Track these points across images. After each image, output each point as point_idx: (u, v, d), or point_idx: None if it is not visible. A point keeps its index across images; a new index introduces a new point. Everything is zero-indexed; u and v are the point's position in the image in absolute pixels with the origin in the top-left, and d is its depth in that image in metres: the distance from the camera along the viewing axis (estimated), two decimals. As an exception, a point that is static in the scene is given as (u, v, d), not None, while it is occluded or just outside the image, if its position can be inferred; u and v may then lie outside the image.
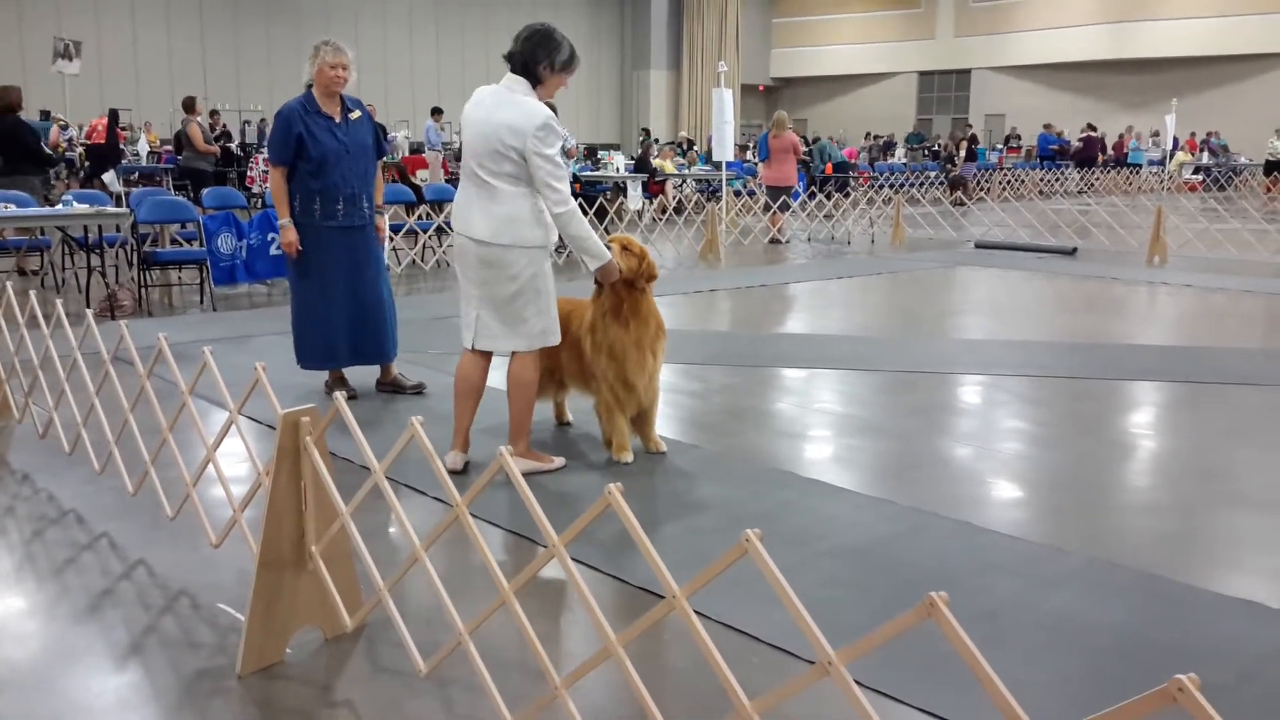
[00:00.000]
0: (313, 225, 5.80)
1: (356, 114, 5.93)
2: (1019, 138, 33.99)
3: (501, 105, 4.31)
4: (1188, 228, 15.76)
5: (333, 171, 5.76)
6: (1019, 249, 14.22)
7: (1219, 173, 29.01)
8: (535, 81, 4.38)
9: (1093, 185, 27.89)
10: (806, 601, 1.88)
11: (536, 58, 4.34)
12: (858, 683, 1.80)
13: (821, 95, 44.41)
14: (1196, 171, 29.35)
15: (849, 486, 4.61)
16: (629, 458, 4.87)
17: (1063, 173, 28.25)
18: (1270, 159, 27.66)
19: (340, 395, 2.79)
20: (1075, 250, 13.97)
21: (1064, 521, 4.27)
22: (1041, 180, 27.09)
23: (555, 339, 4.59)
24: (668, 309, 9.34)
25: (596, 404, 4.96)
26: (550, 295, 4.52)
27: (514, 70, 4.39)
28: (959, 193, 23.42)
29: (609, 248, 4.51)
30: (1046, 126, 31.96)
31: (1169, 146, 30.48)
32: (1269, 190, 26.24)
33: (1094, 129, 31.16)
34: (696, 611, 2.15)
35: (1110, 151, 31.40)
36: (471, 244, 4.39)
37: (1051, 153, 30.43)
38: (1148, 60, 36.47)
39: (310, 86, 5.82)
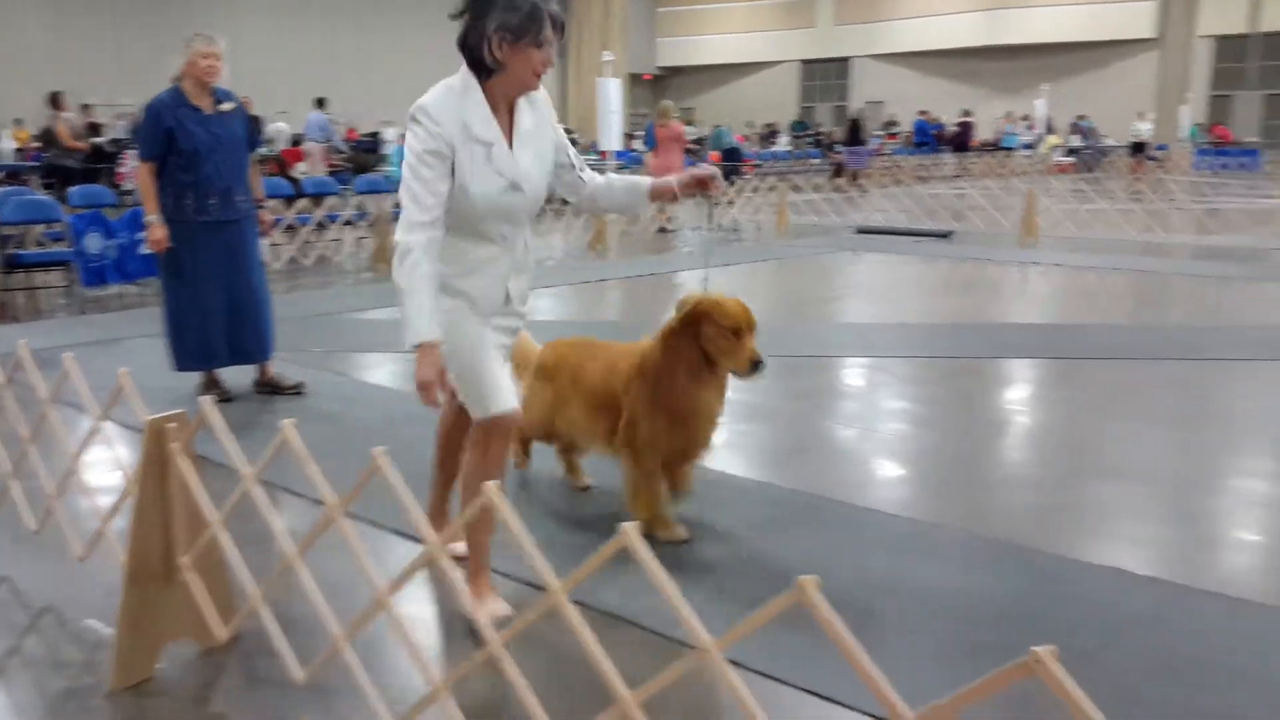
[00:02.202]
0: (185, 221, 5.62)
1: (229, 106, 5.76)
2: (897, 124, 34.75)
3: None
4: (1058, 209, 16.30)
5: (205, 165, 5.59)
6: (898, 233, 14.53)
7: (1088, 155, 30.08)
8: (482, 70, 2.99)
9: (968, 169, 28.67)
10: (689, 589, 1.89)
11: (473, 32, 2.97)
12: (739, 665, 1.82)
13: (707, 84, 44.76)
14: (1068, 154, 30.36)
15: (735, 472, 4.66)
16: (684, 533, 3.84)
17: (939, 158, 28.98)
18: (1134, 141, 28.82)
19: (210, 399, 2.71)
20: (951, 233, 14.34)
21: (942, 498, 4.38)
22: (919, 166, 27.75)
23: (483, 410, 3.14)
24: (555, 301, 9.33)
25: (630, 470, 3.84)
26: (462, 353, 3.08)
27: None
28: (844, 179, 23.83)
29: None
30: (923, 113, 32.75)
31: (1042, 130, 31.53)
32: (1134, 171, 27.33)
33: (969, 115, 32.03)
34: (577, 602, 2.14)
35: (985, 136, 32.35)
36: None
37: (928, 138, 31.20)
38: (1020, 46, 37.60)
39: (181, 79, 5.64)
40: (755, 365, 3.51)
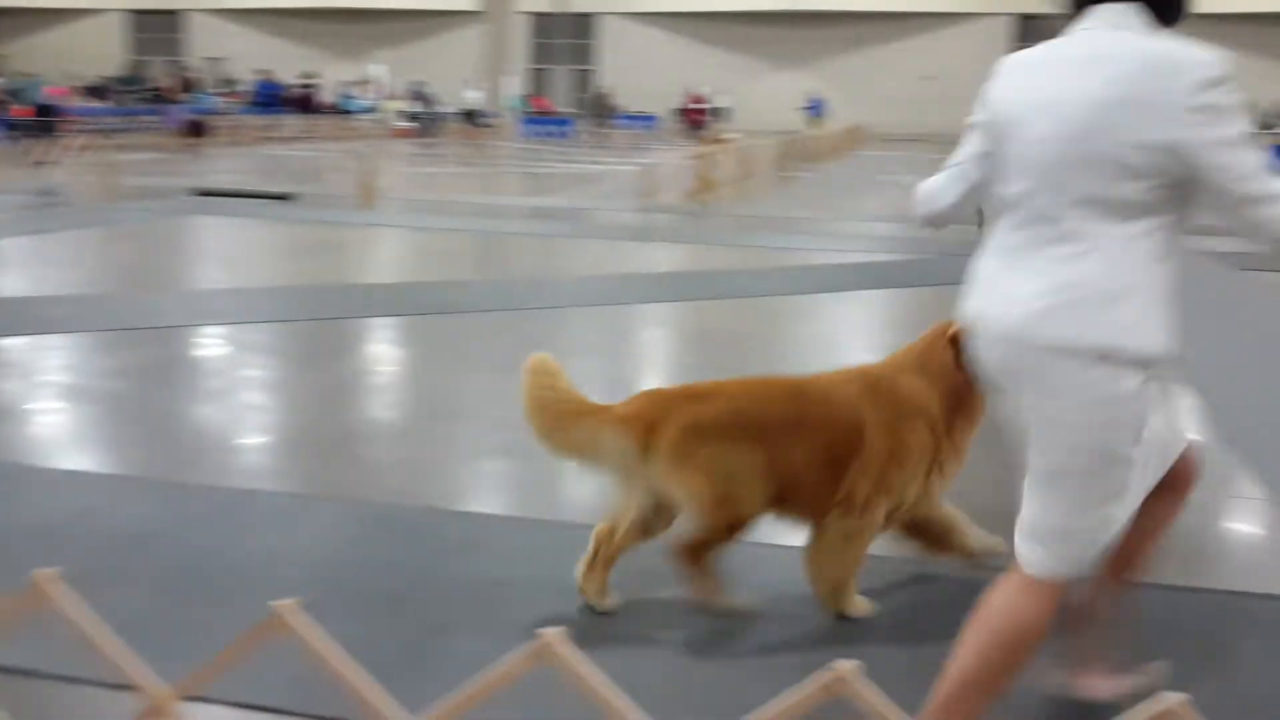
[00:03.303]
0: None
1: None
2: (237, 82, 33.36)
3: (1113, 62, 1.98)
4: (399, 172, 16.74)
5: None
6: (238, 196, 13.90)
7: (426, 121, 31.28)
8: (1168, 14, 2.06)
9: (311, 132, 28.39)
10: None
11: None
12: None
13: (20, 29, 39.33)
14: (408, 119, 31.31)
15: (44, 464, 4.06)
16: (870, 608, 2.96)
17: (282, 119, 28.32)
18: (466, 108, 30.54)
19: None
20: (293, 196, 14.02)
21: (308, 465, 4.21)
22: (262, 127, 26.89)
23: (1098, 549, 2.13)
24: None
25: (839, 541, 2.86)
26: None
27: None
28: (191, 137, 22.27)
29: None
30: (263, 72, 31.77)
31: (381, 95, 32.17)
32: (468, 137, 28.98)
33: (312, 76, 31.68)
34: None
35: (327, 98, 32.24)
36: (1024, 346, 2.04)
37: (271, 99, 30.34)
38: (356, 10, 37.97)
39: None
40: None
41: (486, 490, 4.07)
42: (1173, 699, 0.97)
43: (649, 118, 34.09)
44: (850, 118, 34.28)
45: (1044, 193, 2.01)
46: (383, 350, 6.43)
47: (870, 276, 8.99)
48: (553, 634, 1.05)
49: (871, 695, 1.05)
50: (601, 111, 34.10)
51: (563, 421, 2.84)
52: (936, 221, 2.41)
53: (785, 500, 2.85)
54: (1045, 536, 2.06)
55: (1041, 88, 2.05)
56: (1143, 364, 1.94)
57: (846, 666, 1.07)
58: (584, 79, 40.86)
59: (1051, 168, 2.00)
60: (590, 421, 2.83)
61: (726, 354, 6.25)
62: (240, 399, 5.13)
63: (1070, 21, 2.08)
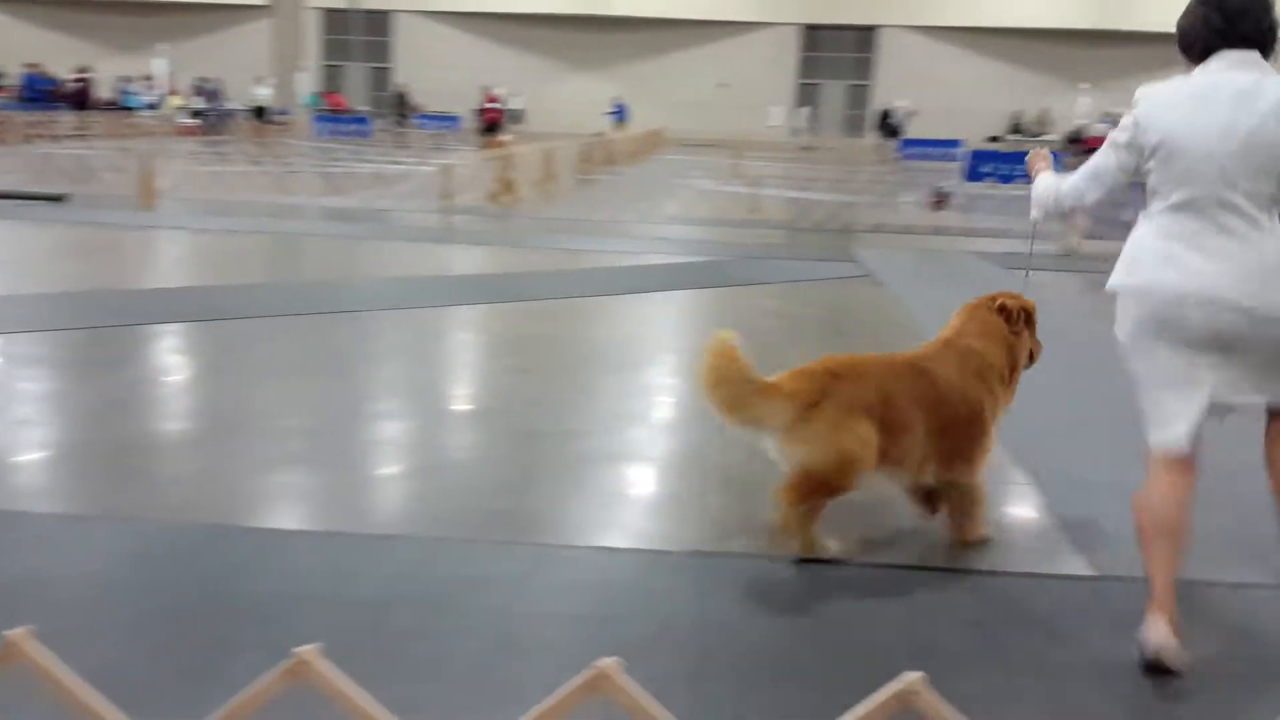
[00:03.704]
0: None
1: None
2: (4, 76, 31.06)
3: (1254, 96, 2.75)
4: (186, 171, 15.97)
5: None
6: (4, 197, 12.94)
7: (213, 118, 29.94)
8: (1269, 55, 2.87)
9: (88, 129, 26.73)
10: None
11: (1272, 22, 2.86)
12: None
13: None
14: (193, 116, 29.89)
15: None
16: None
17: (55, 115, 26.54)
18: (256, 105, 29.46)
19: None
20: (64, 197, 13.15)
21: (84, 483, 3.96)
22: (31, 123, 25.12)
23: None
24: None
25: (967, 492, 3.59)
26: None
27: (1233, 44, 2.83)
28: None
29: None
30: (32, 66, 29.68)
31: (164, 90, 30.61)
32: (258, 135, 27.91)
33: (86, 70, 29.83)
34: None
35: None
36: (1234, 313, 2.76)
37: (41, 94, 28.38)
38: (136, 3, 35.98)
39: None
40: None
41: (276, 503, 3.92)
42: (911, 677, 1.04)
43: (452, 118, 33.67)
44: (649, 122, 34.84)
45: (1218, 192, 2.74)
46: (167, 359, 6.11)
47: (670, 278, 9.16)
48: (308, 651, 1.03)
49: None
50: (402, 110, 33.47)
51: (746, 399, 3.22)
52: (1068, 213, 3.36)
53: (893, 458, 3.38)
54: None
55: (1207, 118, 2.76)
56: None
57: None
58: (381, 77, 40.02)
59: (1225, 174, 2.73)
60: (767, 397, 3.24)
61: (531, 356, 6.24)
62: (8, 414, 4.78)
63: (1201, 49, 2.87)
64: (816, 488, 3.29)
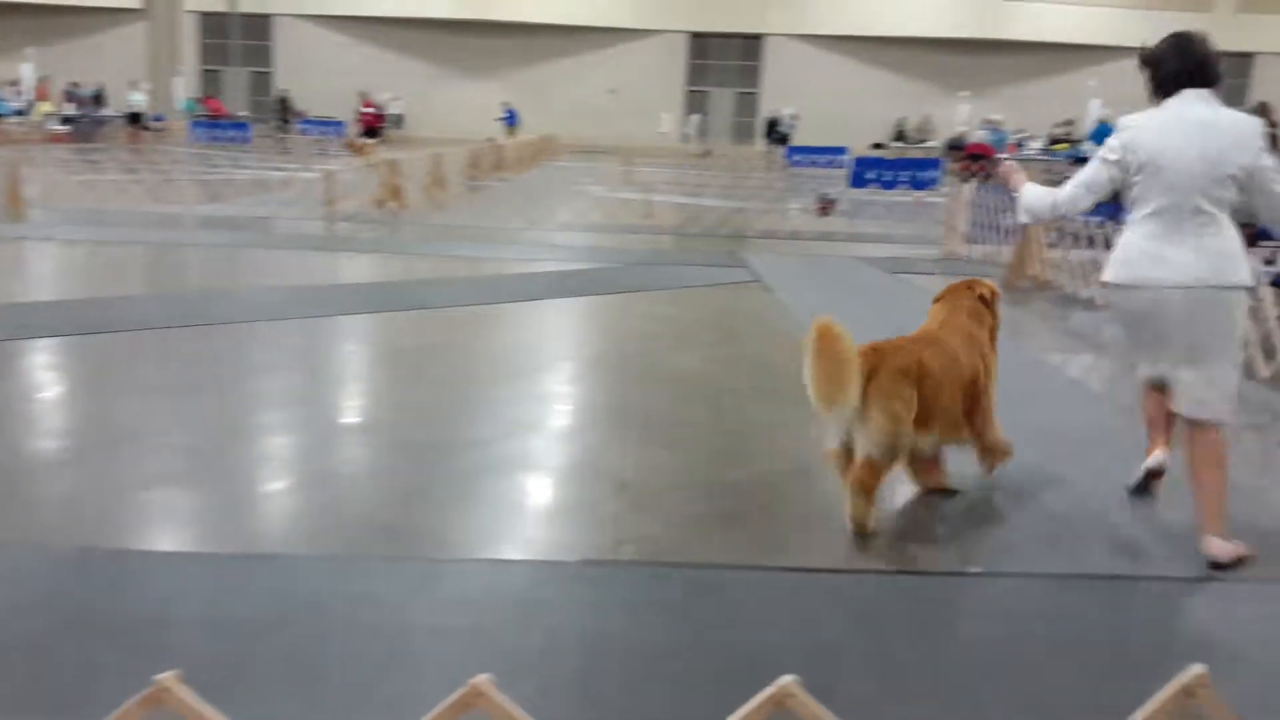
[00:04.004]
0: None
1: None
2: None
3: (1213, 124, 3.64)
4: (54, 179, 15.35)
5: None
6: None
7: (86, 124, 28.85)
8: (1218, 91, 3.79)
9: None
10: None
11: (1218, 68, 3.78)
12: None
13: None
14: (64, 122, 28.76)
15: None
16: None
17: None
18: (131, 110, 28.50)
19: None
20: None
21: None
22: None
23: None
24: None
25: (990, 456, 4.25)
26: None
27: (1194, 85, 3.71)
28: None
29: None
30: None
31: (30, 96, 29.41)
32: (133, 141, 27.00)
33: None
34: None
35: None
36: (1180, 292, 3.61)
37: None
38: (3, 4, 34.48)
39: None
40: None
41: (151, 524, 3.77)
42: (785, 681, 1.04)
43: (336, 123, 33.05)
44: (540, 128, 34.72)
45: (1191, 199, 3.55)
46: (37, 375, 5.83)
47: (561, 285, 9.12)
48: (167, 678, 0.98)
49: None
50: (284, 116, 32.71)
51: (846, 377, 3.63)
52: (1058, 218, 4.49)
53: (927, 424, 3.90)
54: (1214, 394, 3.60)
55: (1181, 141, 3.58)
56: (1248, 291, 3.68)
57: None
58: (261, 81, 39.07)
59: (1196, 184, 3.54)
60: (854, 372, 3.66)
61: (420, 366, 6.14)
62: None
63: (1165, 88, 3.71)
64: (881, 468, 3.76)
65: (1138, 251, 3.68)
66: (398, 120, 35.56)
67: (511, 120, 33.60)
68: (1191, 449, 3.66)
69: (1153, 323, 3.67)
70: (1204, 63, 3.71)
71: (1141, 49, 3.88)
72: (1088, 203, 3.85)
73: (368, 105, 27.67)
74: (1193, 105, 3.67)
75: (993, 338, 4.33)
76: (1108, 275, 3.79)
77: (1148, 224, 3.66)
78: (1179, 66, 3.71)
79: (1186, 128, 3.62)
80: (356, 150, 25.21)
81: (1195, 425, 3.63)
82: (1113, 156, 3.73)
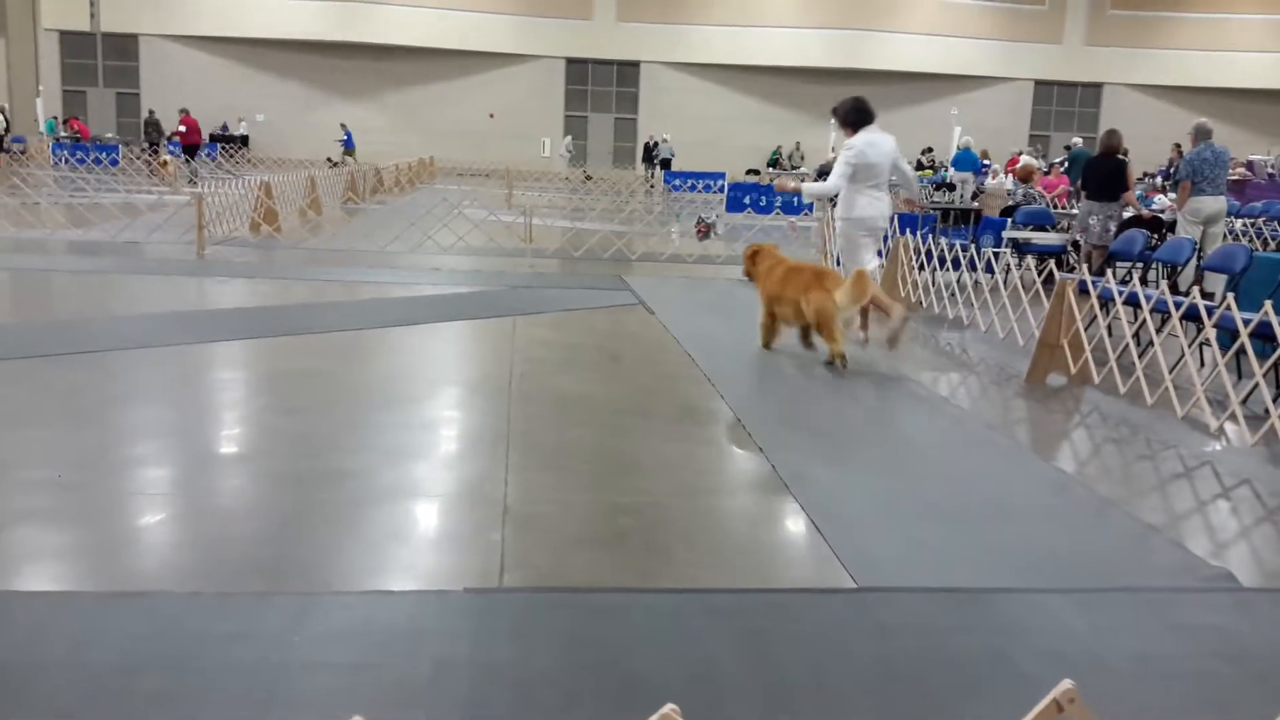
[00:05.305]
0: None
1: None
2: None
3: (883, 141, 8.00)
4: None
5: None
6: None
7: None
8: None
9: None
10: None
11: (873, 112, 8.07)
12: None
13: None
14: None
15: None
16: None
17: None
18: None
19: None
20: None
21: None
22: None
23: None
24: None
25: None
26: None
27: (869, 122, 7.99)
28: None
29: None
30: None
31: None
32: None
33: None
34: None
35: None
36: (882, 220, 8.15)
37: None
38: None
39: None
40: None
41: (7, 564, 3.58)
42: (665, 710, 1.04)
43: (210, 145, 32.19)
44: (418, 150, 34.42)
45: (882, 178, 7.98)
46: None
47: (444, 309, 9.03)
48: None
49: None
50: (152, 138, 31.73)
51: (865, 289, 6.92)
52: (826, 199, 9.90)
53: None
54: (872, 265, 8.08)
55: (876, 151, 7.89)
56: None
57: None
58: (129, 103, 37.83)
59: (884, 171, 7.97)
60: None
61: (298, 394, 6.00)
62: None
63: (854, 124, 7.96)
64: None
65: (866, 200, 7.93)
66: (244, 141, 35.74)
67: (349, 143, 34.07)
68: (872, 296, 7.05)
69: (874, 231, 8.07)
70: (869, 110, 7.95)
71: (835, 107, 8.00)
72: (839, 188, 7.92)
73: (185, 122, 26.74)
74: (874, 132, 7.93)
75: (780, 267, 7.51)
76: (850, 214, 7.94)
77: (869, 191, 7.93)
78: (862, 114, 7.93)
79: (876, 143, 7.88)
80: (163, 168, 24.76)
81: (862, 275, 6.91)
82: (854, 160, 7.81)
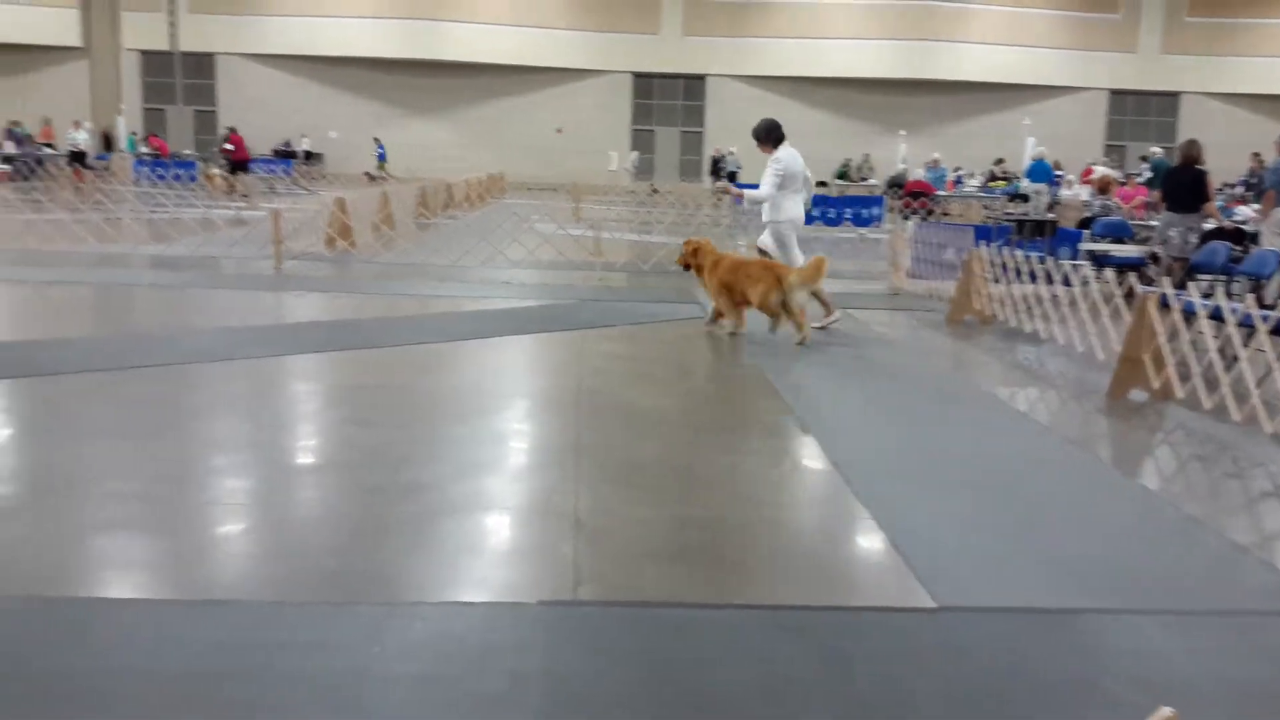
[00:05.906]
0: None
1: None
2: None
3: (797, 155, 9.28)
4: (-5, 219, 15.04)
5: None
6: None
7: (23, 164, 28.41)
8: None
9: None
10: None
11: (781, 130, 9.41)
12: None
13: None
14: (3, 162, 28.31)
15: None
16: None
17: None
18: (73, 149, 28.14)
19: None
20: None
21: None
22: None
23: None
24: None
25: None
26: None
27: (784, 138, 9.26)
28: None
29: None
30: None
31: None
32: (76, 180, 26.62)
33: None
34: None
35: None
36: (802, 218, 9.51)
37: None
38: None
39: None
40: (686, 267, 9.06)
41: (97, 572, 3.67)
42: None
43: (286, 161, 32.82)
44: (489, 166, 34.77)
45: (800, 184, 9.27)
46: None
47: (514, 323, 9.10)
48: None
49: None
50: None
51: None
52: (761, 204, 9.32)
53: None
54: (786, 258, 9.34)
55: (797, 160, 9.22)
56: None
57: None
58: (206, 120, 38.75)
59: (802, 181, 9.29)
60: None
61: (373, 406, 6.07)
62: None
63: (773, 141, 9.26)
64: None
65: (791, 203, 9.14)
66: (307, 156, 37.14)
67: (383, 156, 35.81)
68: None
69: (798, 228, 9.34)
70: (781, 128, 9.22)
71: (755, 130, 9.30)
72: (774, 193, 9.05)
73: (234, 140, 27.17)
74: (788, 148, 9.15)
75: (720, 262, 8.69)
76: (779, 216, 9.18)
77: (792, 196, 9.12)
78: (778, 132, 9.17)
79: (793, 156, 9.13)
80: (210, 181, 25.35)
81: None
82: (781, 170, 9.00)
